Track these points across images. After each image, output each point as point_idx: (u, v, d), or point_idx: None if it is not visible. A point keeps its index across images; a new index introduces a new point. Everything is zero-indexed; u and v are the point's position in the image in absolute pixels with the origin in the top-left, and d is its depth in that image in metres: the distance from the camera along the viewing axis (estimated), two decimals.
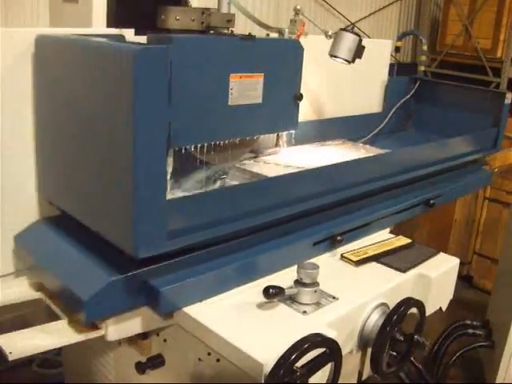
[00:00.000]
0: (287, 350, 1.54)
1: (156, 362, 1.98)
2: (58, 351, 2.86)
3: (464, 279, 5.06)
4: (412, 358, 2.64)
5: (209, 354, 1.82)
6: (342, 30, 2.68)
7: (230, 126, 2.19)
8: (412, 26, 7.64)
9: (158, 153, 1.61)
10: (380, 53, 3.61)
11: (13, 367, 3.23)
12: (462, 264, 4.84)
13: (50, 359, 3.30)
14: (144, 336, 1.98)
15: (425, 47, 3.41)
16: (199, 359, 1.87)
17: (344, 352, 1.77)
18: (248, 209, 1.91)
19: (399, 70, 7.61)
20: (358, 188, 2.37)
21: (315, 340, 1.60)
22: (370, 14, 6.94)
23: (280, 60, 2.30)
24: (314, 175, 2.19)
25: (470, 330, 3.27)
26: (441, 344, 3.09)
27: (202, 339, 1.72)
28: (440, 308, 2.29)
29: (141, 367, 1.99)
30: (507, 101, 3.10)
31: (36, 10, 3.98)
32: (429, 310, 2.13)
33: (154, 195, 1.62)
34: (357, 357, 2.06)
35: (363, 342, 1.95)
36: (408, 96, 3.70)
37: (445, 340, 3.11)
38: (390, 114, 3.55)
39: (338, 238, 2.21)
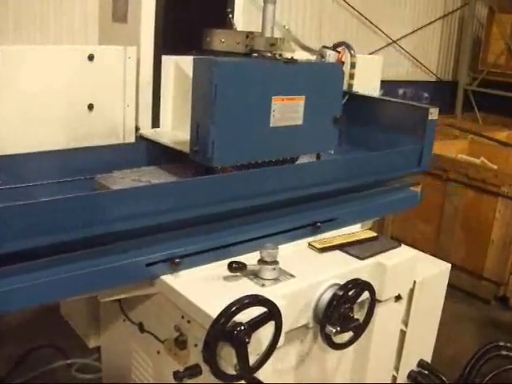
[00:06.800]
0: (229, 304, 1.73)
1: (193, 371, 2.04)
2: (98, 356, 2.93)
3: (500, 300, 5.01)
4: (444, 378, 2.66)
5: (182, 317, 2.01)
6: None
7: (270, 147, 2.28)
8: (454, 44, 7.64)
9: None
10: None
11: (52, 371, 3.33)
12: (498, 285, 4.87)
13: (90, 364, 3.37)
14: (182, 346, 2.05)
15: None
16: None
17: (299, 323, 2.04)
18: None
19: (439, 87, 7.67)
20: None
21: (255, 299, 1.78)
22: (412, 32, 6.98)
23: (321, 83, 2.37)
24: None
25: (504, 352, 3.25)
26: (473, 365, 3.08)
27: (177, 304, 1.98)
28: (399, 295, 2.38)
29: (178, 376, 2.05)
30: (431, 116, 2.77)
31: (84, 30, 4.16)
32: (385, 295, 2.28)
33: None
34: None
35: (317, 317, 2.10)
36: None
37: (478, 361, 3.10)
38: None
39: (177, 260, 2.01)
